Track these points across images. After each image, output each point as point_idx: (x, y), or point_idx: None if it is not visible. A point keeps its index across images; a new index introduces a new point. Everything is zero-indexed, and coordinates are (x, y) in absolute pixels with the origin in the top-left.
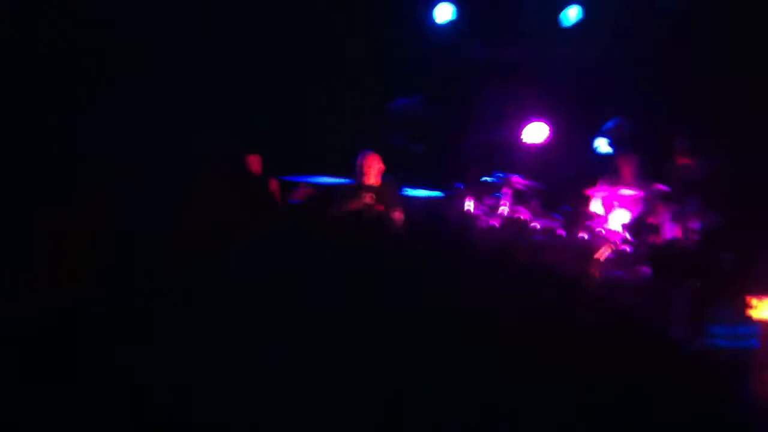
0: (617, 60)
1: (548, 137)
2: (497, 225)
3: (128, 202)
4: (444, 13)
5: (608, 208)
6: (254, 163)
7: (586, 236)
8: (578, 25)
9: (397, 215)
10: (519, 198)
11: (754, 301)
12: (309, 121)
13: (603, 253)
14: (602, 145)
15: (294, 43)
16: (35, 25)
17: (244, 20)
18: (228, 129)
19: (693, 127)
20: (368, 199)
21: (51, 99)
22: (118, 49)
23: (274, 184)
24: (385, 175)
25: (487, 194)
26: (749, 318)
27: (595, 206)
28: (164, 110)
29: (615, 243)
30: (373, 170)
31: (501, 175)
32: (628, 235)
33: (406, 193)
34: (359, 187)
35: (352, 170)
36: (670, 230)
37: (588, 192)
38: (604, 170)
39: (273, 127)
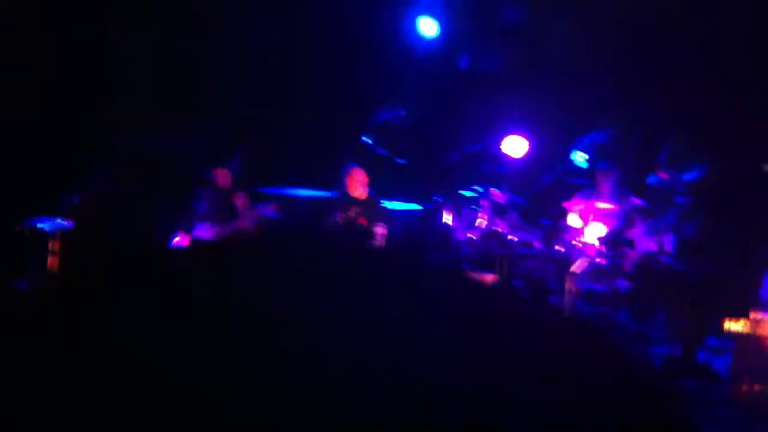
0: (598, 71)
1: (527, 150)
2: (475, 238)
3: (114, 208)
4: (429, 28)
5: (585, 221)
6: (222, 176)
7: (562, 249)
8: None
9: (380, 229)
10: (497, 211)
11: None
12: (293, 134)
13: (579, 266)
14: (579, 158)
15: (279, 55)
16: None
17: (231, 29)
18: (211, 141)
19: (676, 138)
20: (352, 212)
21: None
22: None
23: (241, 198)
24: (370, 189)
25: (465, 207)
26: (723, 332)
27: (572, 219)
28: (148, 118)
29: (591, 256)
30: (357, 184)
31: (480, 188)
32: (603, 248)
33: (385, 205)
34: (344, 201)
35: (338, 184)
36: (645, 244)
37: (565, 205)
38: (581, 183)
39: (258, 139)
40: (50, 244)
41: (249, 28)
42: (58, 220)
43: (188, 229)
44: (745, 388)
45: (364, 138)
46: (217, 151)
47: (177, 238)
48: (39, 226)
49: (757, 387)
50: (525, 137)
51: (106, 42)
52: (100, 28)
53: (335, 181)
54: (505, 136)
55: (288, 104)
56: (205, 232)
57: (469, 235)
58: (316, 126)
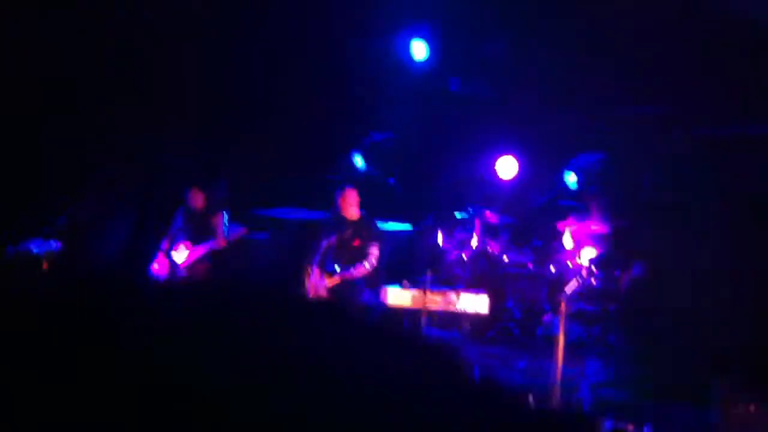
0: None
1: (519, 172)
2: (467, 258)
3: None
4: (420, 50)
5: (577, 243)
6: (196, 198)
7: (554, 269)
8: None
9: (374, 250)
10: (490, 232)
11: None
12: (285, 156)
13: (571, 287)
14: (572, 179)
15: (272, 77)
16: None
17: (221, 48)
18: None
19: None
20: (346, 233)
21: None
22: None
23: (217, 219)
24: (362, 210)
25: (458, 228)
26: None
27: (565, 240)
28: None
29: (583, 277)
30: (350, 205)
31: (472, 209)
32: (595, 269)
33: (378, 226)
34: (337, 222)
35: (330, 205)
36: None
37: (558, 226)
38: (573, 205)
39: (250, 161)
40: (41, 266)
41: (243, 52)
42: (49, 242)
43: (166, 251)
44: (738, 408)
45: (356, 158)
46: (213, 152)
47: (156, 265)
48: (29, 247)
49: (752, 408)
50: (517, 158)
51: (107, 42)
52: (100, 28)
53: (328, 201)
54: (497, 158)
55: (278, 126)
56: (181, 254)
57: (460, 255)
58: (309, 146)
